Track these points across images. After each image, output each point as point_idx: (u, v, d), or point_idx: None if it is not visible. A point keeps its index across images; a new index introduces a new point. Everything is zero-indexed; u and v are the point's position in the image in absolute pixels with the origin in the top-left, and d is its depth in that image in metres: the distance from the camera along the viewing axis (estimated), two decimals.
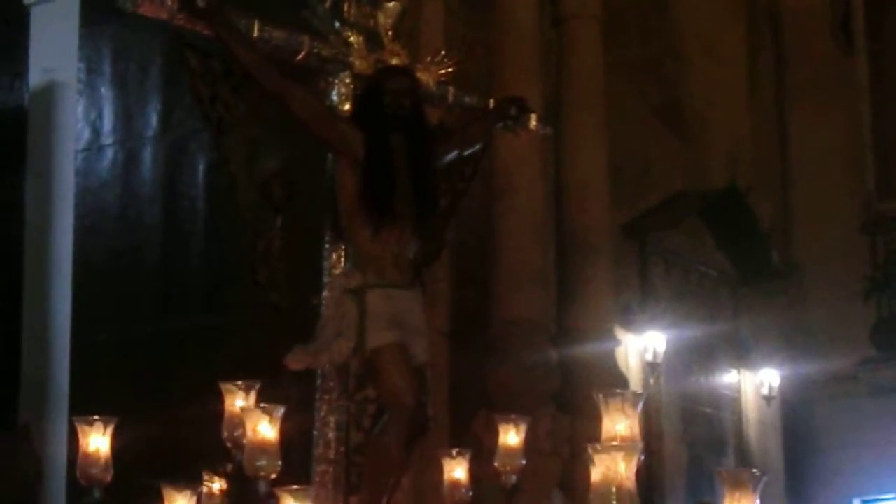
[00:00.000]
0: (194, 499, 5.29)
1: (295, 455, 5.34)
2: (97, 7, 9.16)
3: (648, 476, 10.73)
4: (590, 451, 3.95)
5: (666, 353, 12.07)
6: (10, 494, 8.29)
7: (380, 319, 5.41)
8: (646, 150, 12.58)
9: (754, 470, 4.03)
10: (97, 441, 4.95)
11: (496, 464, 5.68)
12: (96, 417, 4.95)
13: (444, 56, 6.06)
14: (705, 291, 13.20)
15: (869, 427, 13.02)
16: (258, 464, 4.87)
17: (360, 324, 5.41)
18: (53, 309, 9.35)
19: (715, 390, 13.18)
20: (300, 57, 5.64)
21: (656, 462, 11.25)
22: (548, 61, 9.96)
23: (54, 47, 9.67)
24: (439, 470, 5.81)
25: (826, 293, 13.67)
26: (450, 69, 6.02)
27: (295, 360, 5.44)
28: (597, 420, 4.36)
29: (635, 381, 11.23)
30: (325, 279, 5.66)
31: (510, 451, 5.68)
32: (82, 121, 9.59)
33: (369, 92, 5.66)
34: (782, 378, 13.53)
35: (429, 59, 6.03)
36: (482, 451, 6.05)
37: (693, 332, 12.54)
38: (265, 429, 4.86)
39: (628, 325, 11.46)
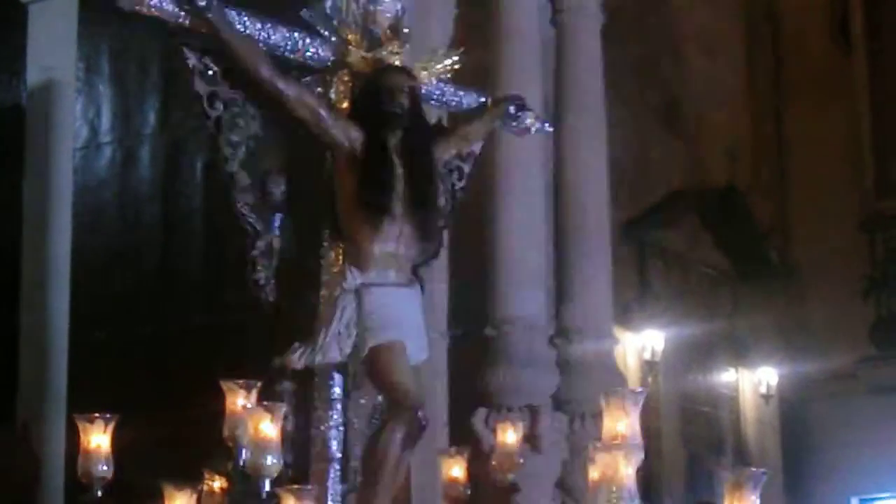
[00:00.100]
0: (195, 497, 5.29)
1: (294, 454, 5.35)
2: (95, 5, 9.14)
3: (646, 474, 10.74)
4: (590, 449, 3.95)
5: (664, 351, 12.10)
6: (9, 494, 8.28)
7: (379, 319, 5.41)
8: (644, 150, 12.60)
9: (755, 469, 4.03)
10: (98, 438, 4.96)
11: (494, 462, 5.69)
12: (97, 415, 4.94)
13: (443, 55, 6.06)
14: (704, 290, 13.22)
15: (867, 425, 13.03)
16: (260, 462, 4.87)
17: (359, 323, 5.41)
18: (51, 308, 9.31)
19: (713, 389, 13.20)
20: (299, 55, 5.65)
21: (655, 461, 11.26)
22: (547, 61, 9.96)
23: (52, 45, 9.64)
24: (437, 468, 5.81)
25: (825, 292, 13.69)
26: (448, 68, 6.02)
27: (294, 360, 5.44)
28: (596, 419, 4.37)
29: (634, 379, 11.25)
30: (324, 278, 5.65)
31: (508, 450, 5.69)
32: (80, 119, 9.57)
33: (368, 91, 5.66)
34: (781, 376, 13.56)
35: (427, 57, 6.02)
36: (480, 450, 6.05)
37: (691, 330, 12.56)
38: (267, 427, 4.86)
39: (627, 323, 11.48)
